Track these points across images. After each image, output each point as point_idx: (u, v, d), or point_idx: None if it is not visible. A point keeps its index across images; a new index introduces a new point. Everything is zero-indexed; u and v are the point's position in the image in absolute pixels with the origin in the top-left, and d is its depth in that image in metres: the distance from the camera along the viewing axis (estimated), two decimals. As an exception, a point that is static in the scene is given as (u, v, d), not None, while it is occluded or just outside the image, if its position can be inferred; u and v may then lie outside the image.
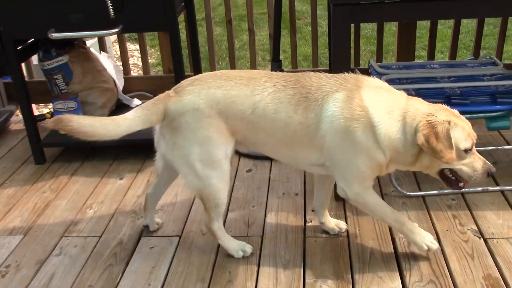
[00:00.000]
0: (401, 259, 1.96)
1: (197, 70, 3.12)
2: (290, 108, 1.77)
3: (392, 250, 2.01)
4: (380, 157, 1.76)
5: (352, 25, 3.35)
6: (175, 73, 2.60)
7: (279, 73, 1.89)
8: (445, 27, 5.30)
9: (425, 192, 2.38)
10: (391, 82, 2.41)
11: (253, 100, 1.79)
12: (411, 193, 2.37)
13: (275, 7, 2.80)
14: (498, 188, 2.37)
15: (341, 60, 2.11)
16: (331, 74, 1.85)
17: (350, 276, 1.88)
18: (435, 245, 1.92)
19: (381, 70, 2.69)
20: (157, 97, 1.86)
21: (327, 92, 1.77)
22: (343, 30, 2.07)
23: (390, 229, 2.13)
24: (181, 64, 2.60)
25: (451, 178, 1.80)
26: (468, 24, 5.18)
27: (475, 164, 1.76)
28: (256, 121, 1.80)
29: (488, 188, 2.36)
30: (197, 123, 1.78)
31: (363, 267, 1.93)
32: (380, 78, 2.56)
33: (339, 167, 1.81)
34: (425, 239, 1.91)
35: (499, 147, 2.72)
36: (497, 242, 2.02)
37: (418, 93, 2.29)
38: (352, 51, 3.31)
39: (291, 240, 2.11)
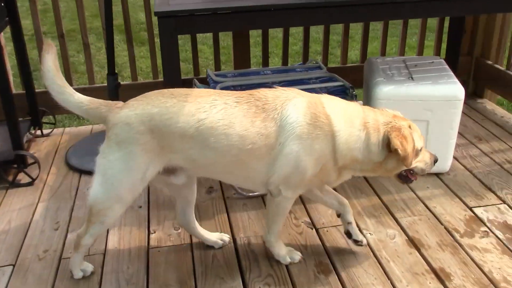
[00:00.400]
0: (241, 258, 2.04)
1: (28, 87, 2.96)
2: (246, 121, 1.73)
3: (234, 250, 2.09)
4: (330, 165, 1.80)
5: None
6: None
7: (229, 91, 1.86)
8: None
9: (263, 192, 2.51)
10: (226, 89, 2.52)
11: (197, 117, 1.71)
12: (250, 194, 2.49)
13: (105, 19, 2.76)
14: (328, 181, 2.58)
15: (171, 71, 2.14)
16: (286, 88, 1.85)
17: (193, 282, 1.92)
18: (297, 255, 2.02)
19: (217, 79, 2.79)
20: (109, 102, 1.80)
21: (285, 99, 1.77)
22: (170, 42, 2.10)
23: (231, 228, 2.21)
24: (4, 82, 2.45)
25: (406, 176, 1.90)
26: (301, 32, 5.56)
27: (425, 158, 1.90)
28: (203, 139, 1.72)
29: (320, 182, 2.56)
30: (124, 136, 1.71)
31: (206, 270, 1.98)
32: (216, 86, 2.67)
33: (286, 171, 1.78)
34: (289, 253, 2.02)
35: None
36: (327, 231, 2.20)
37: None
38: (192, 61, 3.39)
39: (135, 253, 2.09)
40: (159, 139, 1.72)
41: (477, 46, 3.45)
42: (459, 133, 2.96)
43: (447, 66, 2.68)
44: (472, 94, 3.55)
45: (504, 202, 2.36)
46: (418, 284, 1.88)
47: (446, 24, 3.38)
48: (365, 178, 2.57)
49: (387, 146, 1.78)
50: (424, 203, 2.37)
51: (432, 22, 4.07)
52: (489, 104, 3.41)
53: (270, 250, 2.03)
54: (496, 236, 2.13)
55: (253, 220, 2.26)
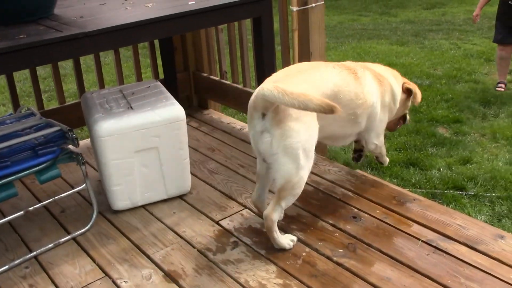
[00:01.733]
0: None
1: None
2: (355, 82, 2.19)
3: None
4: (393, 111, 2.44)
5: None
6: None
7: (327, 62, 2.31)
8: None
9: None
10: None
11: (331, 81, 2.13)
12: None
13: None
14: (69, 236, 2.32)
15: None
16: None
17: None
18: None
19: None
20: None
21: (362, 70, 2.28)
22: None
23: None
24: None
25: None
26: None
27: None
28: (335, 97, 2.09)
29: (60, 241, 2.29)
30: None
31: None
32: None
33: (374, 125, 2.35)
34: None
35: (63, 194, 2.69)
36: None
37: None
38: None
39: None
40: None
41: (191, 61, 3.58)
42: (193, 149, 3.02)
43: (163, 88, 2.68)
44: (198, 107, 3.68)
45: (246, 207, 2.46)
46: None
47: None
48: (111, 222, 2.41)
49: (407, 90, 2.46)
50: (173, 230, 2.32)
51: (143, 44, 4.09)
52: (215, 114, 3.57)
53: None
54: (245, 243, 2.19)
55: None
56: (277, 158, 1.96)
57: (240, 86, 3.22)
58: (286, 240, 2.12)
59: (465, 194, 3.79)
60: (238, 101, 3.24)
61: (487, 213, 3.58)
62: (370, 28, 9.05)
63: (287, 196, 2.02)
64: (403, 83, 2.46)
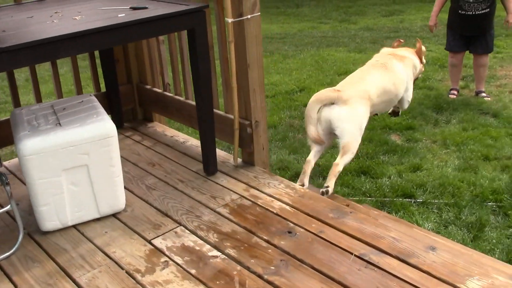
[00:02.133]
0: None
1: None
2: (389, 75, 3.54)
3: None
4: (416, 74, 3.97)
5: None
6: None
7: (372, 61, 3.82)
8: None
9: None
10: None
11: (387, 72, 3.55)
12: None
13: None
14: (-8, 261, 2.22)
15: None
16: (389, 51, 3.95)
17: None
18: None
19: None
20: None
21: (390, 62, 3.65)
22: None
23: None
24: None
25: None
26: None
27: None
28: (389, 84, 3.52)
29: (-17, 266, 2.18)
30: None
31: None
32: None
33: (408, 93, 3.78)
34: None
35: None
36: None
37: None
38: None
39: None
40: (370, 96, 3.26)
41: (134, 73, 3.50)
42: (133, 164, 2.94)
43: (97, 103, 2.60)
44: (143, 120, 3.60)
45: (180, 224, 2.40)
46: None
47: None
48: (38, 244, 2.31)
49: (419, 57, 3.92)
50: (103, 251, 2.23)
51: (84, 56, 3.98)
52: (159, 127, 3.50)
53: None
54: (176, 263, 2.13)
55: None
56: (345, 125, 3.07)
57: (182, 99, 3.16)
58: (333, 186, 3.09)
59: (414, 202, 3.80)
60: (180, 114, 3.18)
61: (435, 220, 3.59)
62: (330, 36, 9.10)
63: (348, 151, 3.12)
64: (415, 51, 3.94)
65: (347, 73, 6.74)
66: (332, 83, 6.29)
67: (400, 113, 4.13)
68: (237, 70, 2.67)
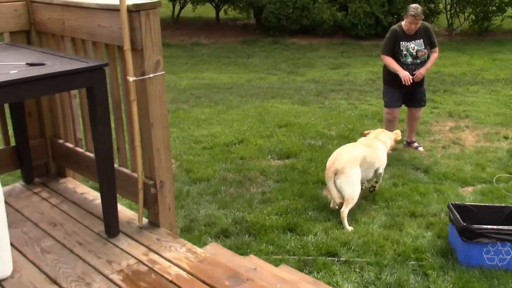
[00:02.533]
0: None
1: None
2: (372, 151, 4.73)
3: None
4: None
5: None
6: None
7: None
8: None
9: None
10: None
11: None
12: None
13: None
14: None
15: None
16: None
17: None
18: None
19: None
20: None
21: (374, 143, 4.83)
22: None
23: None
24: None
25: None
26: None
27: None
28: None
29: None
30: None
31: None
32: None
33: (382, 165, 4.80)
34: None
35: None
36: None
37: None
38: None
39: None
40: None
41: (48, 127, 3.38)
42: (34, 223, 2.79)
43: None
44: (56, 175, 3.46)
45: (67, 292, 2.26)
46: None
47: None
48: None
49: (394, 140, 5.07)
50: (-25, 325, 2.07)
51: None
52: (71, 183, 3.36)
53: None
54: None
55: None
56: (345, 187, 4.32)
57: (91, 155, 3.06)
58: (349, 227, 4.22)
59: (336, 261, 3.75)
60: (90, 171, 3.06)
61: (355, 280, 3.55)
62: (276, 87, 9.22)
63: (350, 202, 4.29)
64: (394, 137, 5.11)
65: (287, 125, 6.81)
66: (271, 136, 6.32)
67: (376, 189, 4.87)
68: (141, 129, 2.60)
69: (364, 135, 5.05)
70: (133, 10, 2.38)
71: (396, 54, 5.65)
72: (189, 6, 15.78)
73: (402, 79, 5.54)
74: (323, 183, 5.00)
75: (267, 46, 13.21)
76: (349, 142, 6.22)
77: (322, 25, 13.77)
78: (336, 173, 4.32)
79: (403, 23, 5.67)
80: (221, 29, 15.38)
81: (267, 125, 6.78)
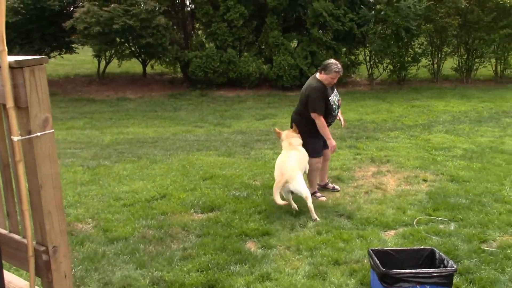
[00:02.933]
0: None
1: None
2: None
3: None
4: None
5: None
6: None
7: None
8: None
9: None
10: None
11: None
12: None
13: None
14: None
15: None
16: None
17: None
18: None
19: None
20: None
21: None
22: None
23: None
24: None
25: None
26: None
27: None
28: None
29: None
30: None
31: None
32: None
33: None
34: None
35: None
36: None
37: None
38: None
39: None
40: None
41: None
42: None
43: None
44: None
45: None
46: None
47: None
48: None
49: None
50: None
51: None
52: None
53: None
54: None
55: None
56: (299, 189, 5.37)
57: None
58: (316, 217, 5.31)
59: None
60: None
61: None
62: (202, 139, 9.16)
63: (308, 197, 5.38)
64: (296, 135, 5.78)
65: (212, 177, 6.69)
66: (195, 189, 6.17)
67: None
68: (30, 191, 2.40)
69: (277, 134, 5.94)
70: (15, 67, 2.24)
71: (328, 110, 5.73)
72: (114, 61, 15.65)
73: (333, 148, 5.82)
74: (247, 235, 4.89)
75: (194, 99, 13.24)
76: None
77: (249, 78, 14.03)
78: (287, 182, 5.28)
79: (322, 77, 5.74)
80: (148, 84, 15.33)
81: (191, 178, 6.64)
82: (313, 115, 5.70)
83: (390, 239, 4.82)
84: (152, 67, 15.98)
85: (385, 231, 5.05)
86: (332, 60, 5.85)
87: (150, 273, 4.19)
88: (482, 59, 14.98)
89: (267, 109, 11.85)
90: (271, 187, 6.18)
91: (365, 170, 7.04)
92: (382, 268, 3.56)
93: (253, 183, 6.49)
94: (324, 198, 5.91)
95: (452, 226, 5.09)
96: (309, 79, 6.08)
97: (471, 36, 14.56)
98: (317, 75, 5.85)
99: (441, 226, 5.10)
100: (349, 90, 14.48)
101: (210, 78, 13.99)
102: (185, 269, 4.25)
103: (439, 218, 5.28)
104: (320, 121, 5.70)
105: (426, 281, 3.50)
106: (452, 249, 4.52)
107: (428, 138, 8.85)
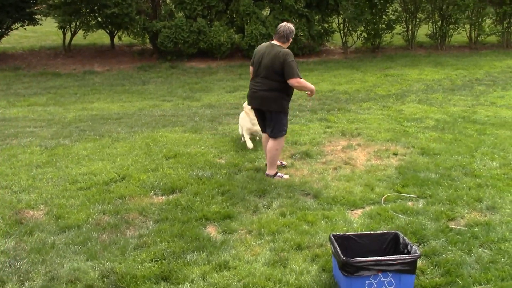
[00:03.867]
0: None
1: None
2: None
3: None
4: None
5: None
6: None
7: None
8: None
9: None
10: None
11: None
12: None
13: None
14: None
15: None
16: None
17: None
18: None
19: None
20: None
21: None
22: None
23: None
24: None
25: None
26: None
27: None
28: None
29: None
30: None
31: None
32: None
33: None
34: None
35: None
36: None
37: None
38: None
39: None
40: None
41: None
42: None
43: None
44: None
45: None
46: None
47: None
48: None
49: None
50: None
51: None
52: None
53: None
54: None
55: None
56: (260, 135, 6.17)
57: None
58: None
59: (211, 314, 3.39)
60: None
61: (232, 334, 3.19)
62: (169, 114, 8.82)
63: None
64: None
65: (175, 156, 6.39)
66: (157, 169, 5.89)
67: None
68: None
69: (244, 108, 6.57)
70: None
71: None
72: (80, 33, 15.04)
73: (313, 91, 5.65)
74: (207, 219, 4.66)
75: (164, 72, 12.82)
76: (239, 172, 5.97)
77: (220, 48, 13.61)
78: (255, 132, 6.52)
79: (287, 45, 5.66)
80: (116, 56, 14.80)
81: (154, 158, 6.34)
82: (294, 80, 5.46)
83: (356, 220, 4.63)
84: (120, 38, 15.41)
85: (351, 210, 4.87)
86: (286, 24, 5.71)
87: (101, 265, 3.94)
88: (457, 25, 14.77)
89: (238, 81, 11.52)
90: (237, 165, 5.98)
91: (335, 144, 6.83)
92: (342, 256, 3.36)
93: (218, 161, 6.23)
94: (287, 177, 5.69)
95: (421, 204, 4.92)
96: (268, 47, 5.73)
97: (445, 1, 14.29)
98: (277, 42, 5.64)
99: (409, 204, 4.93)
100: (323, 59, 14.18)
101: (180, 49, 13.55)
102: (138, 259, 4.01)
103: (408, 195, 5.11)
104: (303, 83, 5.54)
105: (388, 269, 3.33)
106: (419, 228, 4.36)
107: (401, 108, 8.66)
